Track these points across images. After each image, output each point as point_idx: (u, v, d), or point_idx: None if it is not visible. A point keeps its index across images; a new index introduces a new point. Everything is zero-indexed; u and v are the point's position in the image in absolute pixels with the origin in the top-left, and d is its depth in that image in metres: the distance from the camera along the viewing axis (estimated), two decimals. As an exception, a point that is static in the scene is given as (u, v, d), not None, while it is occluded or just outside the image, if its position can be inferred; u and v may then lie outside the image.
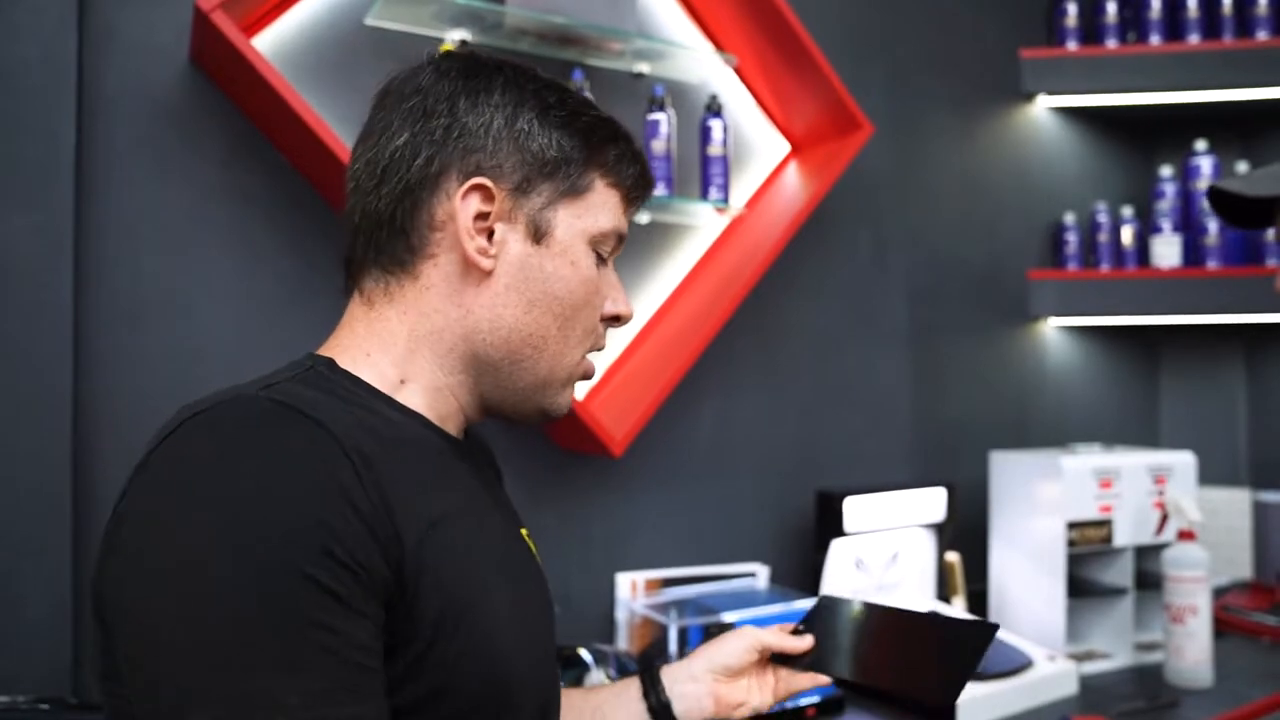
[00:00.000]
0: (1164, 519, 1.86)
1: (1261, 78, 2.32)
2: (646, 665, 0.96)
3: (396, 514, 0.59)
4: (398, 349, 0.70)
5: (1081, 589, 1.84)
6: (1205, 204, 2.35)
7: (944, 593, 1.92)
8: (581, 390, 1.67)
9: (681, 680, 0.91)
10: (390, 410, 0.69)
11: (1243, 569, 2.34)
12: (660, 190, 1.61)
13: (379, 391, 0.69)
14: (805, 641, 0.93)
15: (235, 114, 1.42)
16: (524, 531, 0.84)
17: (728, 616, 1.49)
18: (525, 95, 0.72)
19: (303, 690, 0.53)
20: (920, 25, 2.18)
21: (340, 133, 1.35)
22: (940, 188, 2.20)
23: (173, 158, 1.38)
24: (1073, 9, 2.38)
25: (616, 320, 0.78)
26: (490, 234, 0.70)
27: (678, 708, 0.90)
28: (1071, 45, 2.38)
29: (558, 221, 0.72)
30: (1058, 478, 1.79)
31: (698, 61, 1.74)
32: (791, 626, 0.96)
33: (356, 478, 0.58)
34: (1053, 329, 2.41)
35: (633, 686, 0.92)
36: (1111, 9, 2.37)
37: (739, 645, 0.92)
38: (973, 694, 1.52)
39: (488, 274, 0.70)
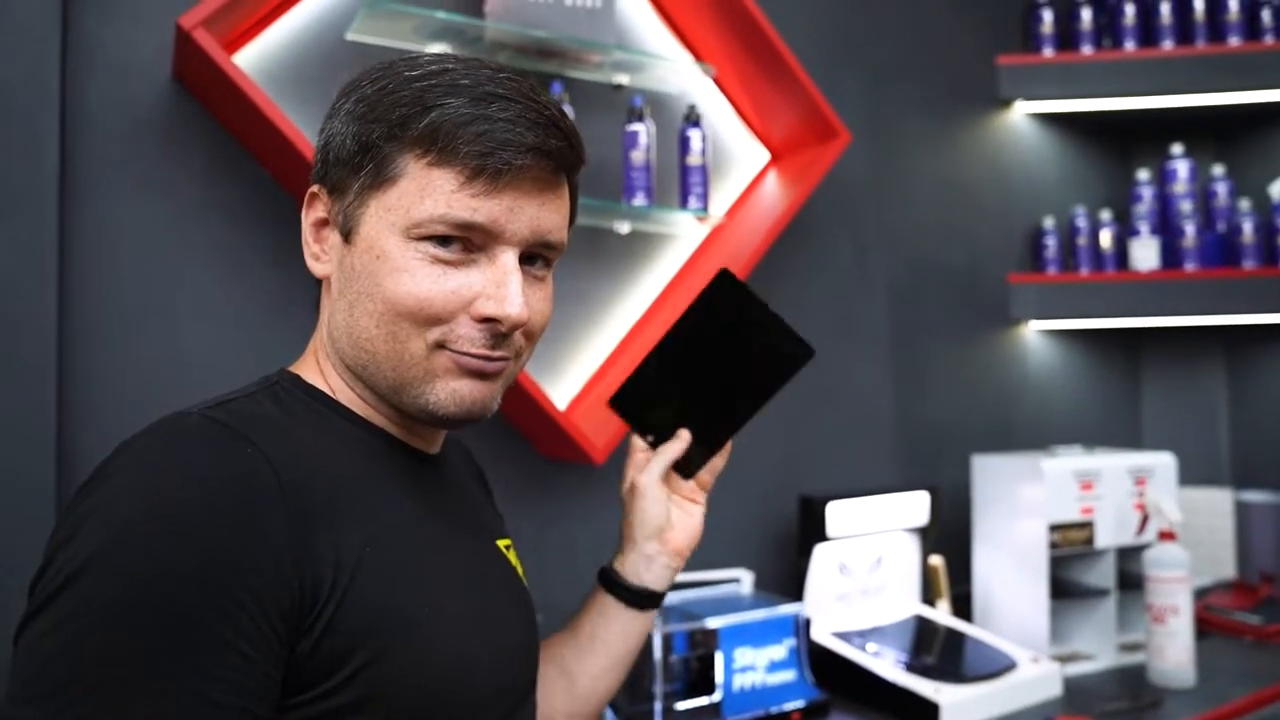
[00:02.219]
0: (1145, 520, 1.88)
1: (1234, 82, 2.36)
2: (602, 576, 0.98)
3: (321, 540, 0.60)
4: (328, 359, 0.74)
5: (1064, 590, 1.86)
6: (1184, 208, 2.38)
7: (929, 596, 1.93)
8: (561, 398, 1.68)
9: (639, 563, 0.95)
10: (347, 424, 0.70)
11: (1225, 568, 2.36)
12: (640, 200, 1.63)
13: (337, 404, 0.71)
14: (683, 441, 0.97)
15: (217, 129, 1.43)
16: (504, 542, 0.84)
17: (712, 622, 1.50)
18: (355, 92, 0.70)
19: None
20: (897, 32, 2.21)
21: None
22: (920, 193, 2.23)
23: (155, 173, 1.39)
24: (1048, 16, 2.41)
25: (490, 322, 0.68)
26: (316, 241, 0.73)
27: (656, 586, 0.95)
28: (1048, 52, 2.41)
29: (365, 216, 0.67)
30: (1039, 480, 1.81)
31: (676, 72, 1.75)
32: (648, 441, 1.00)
33: (277, 503, 0.58)
34: (1034, 332, 2.43)
35: (607, 600, 0.95)
36: (1087, 15, 2.40)
37: (650, 500, 0.94)
38: (957, 697, 1.53)
39: (326, 278, 0.72)
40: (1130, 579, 1.88)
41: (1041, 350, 2.46)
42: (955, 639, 1.80)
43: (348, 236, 0.68)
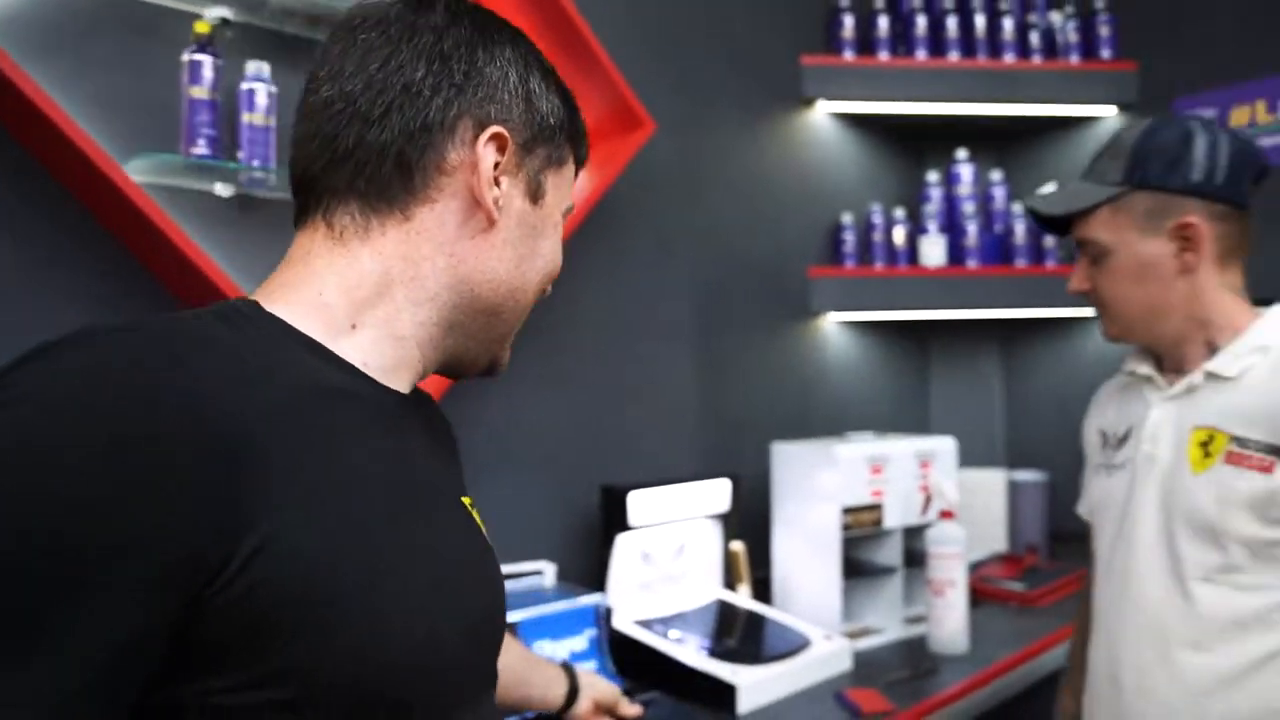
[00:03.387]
0: (928, 500, 2.00)
1: (1008, 94, 2.54)
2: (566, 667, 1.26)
3: (257, 490, 0.52)
4: (363, 291, 0.66)
5: (856, 570, 1.95)
6: (967, 209, 2.54)
7: (730, 581, 1.98)
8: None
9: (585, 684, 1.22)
10: (315, 360, 0.62)
11: (998, 543, 2.55)
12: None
13: (306, 339, 0.63)
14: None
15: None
16: (468, 500, 0.77)
17: (514, 616, 1.47)
18: (532, 56, 0.73)
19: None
20: (708, 29, 2.24)
21: (72, 110, 1.23)
22: (726, 186, 2.27)
23: None
24: (849, 20, 2.51)
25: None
26: (495, 183, 0.69)
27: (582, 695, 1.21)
28: (848, 55, 2.51)
29: (548, 186, 0.73)
30: (833, 466, 1.88)
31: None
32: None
33: (189, 439, 0.50)
34: (832, 323, 2.54)
35: (555, 680, 1.22)
36: (884, 23, 2.52)
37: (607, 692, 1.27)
38: (753, 677, 1.57)
39: (491, 225, 0.69)
40: (915, 556, 2.00)
41: (839, 341, 2.57)
42: (755, 621, 1.84)
43: (536, 198, 0.72)
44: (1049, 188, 2.44)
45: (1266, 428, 1.06)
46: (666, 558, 1.88)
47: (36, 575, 0.47)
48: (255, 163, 1.41)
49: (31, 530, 0.47)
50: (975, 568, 2.35)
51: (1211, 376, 1.13)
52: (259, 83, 1.42)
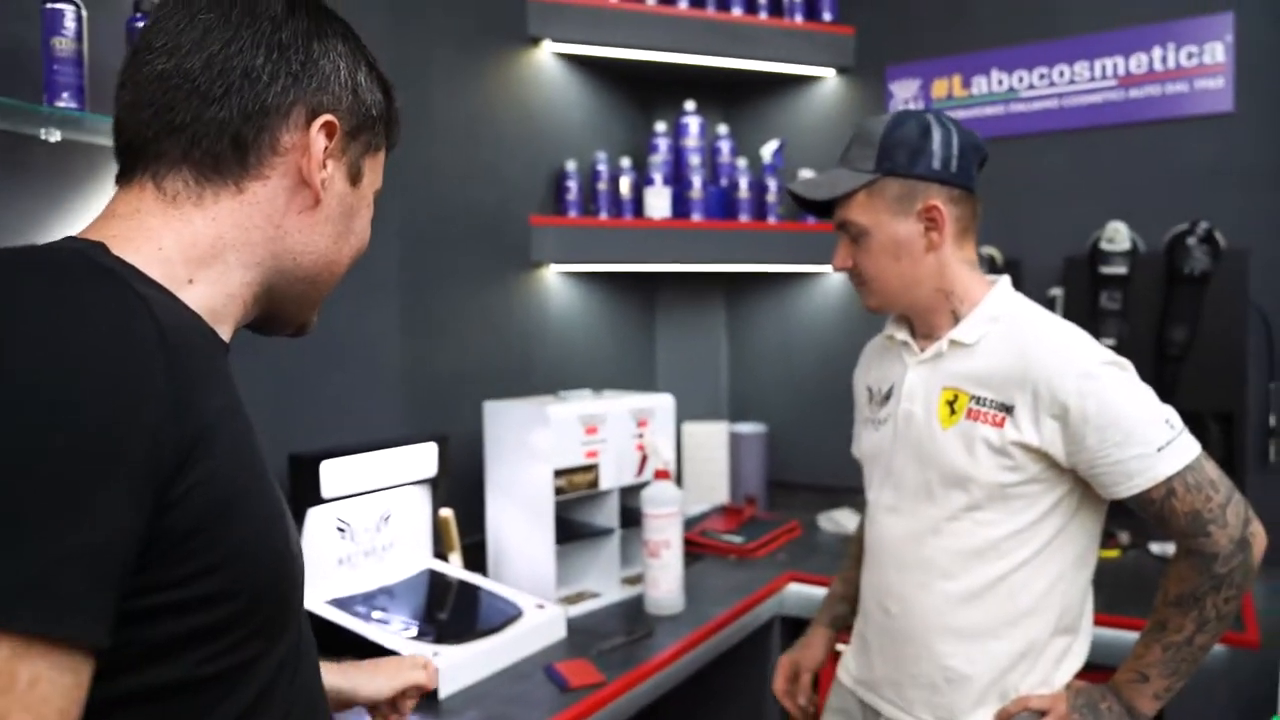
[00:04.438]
0: (644, 460, 1.96)
1: (735, 49, 2.54)
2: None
3: (196, 397, 0.61)
4: (199, 250, 0.72)
5: (573, 533, 1.89)
6: (693, 161, 2.52)
7: (440, 550, 1.86)
8: None
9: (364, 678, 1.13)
10: (172, 302, 0.69)
11: (720, 495, 2.60)
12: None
13: (160, 285, 0.69)
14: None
15: None
16: None
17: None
18: (359, 50, 0.80)
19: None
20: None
21: None
22: (442, 128, 2.09)
23: None
24: (577, -43, 2.39)
25: None
26: (323, 166, 0.76)
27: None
28: (576, -7, 2.40)
29: (365, 170, 0.81)
30: (545, 426, 1.79)
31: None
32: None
33: (159, 352, 0.59)
34: (555, 275, 2.44)
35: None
36: (612, -37, 2.42)
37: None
38: (457, 657, 1.47)
39: (317, 203, 0.76)
40: (632, 515, 1.97)
41: (562, 293, 2.48)
42: (465, 592, 1.74)
43: (355, 181, 0.80)
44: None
45: (997, 388, 1.22)
46: (369, 529, 1.73)
47: (86, 458, 0.54)
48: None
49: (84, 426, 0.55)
50: (696, 521, 2.37)
51: (955, 344, 1.28)
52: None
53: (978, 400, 1.23)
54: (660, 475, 1.85)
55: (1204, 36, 2.23)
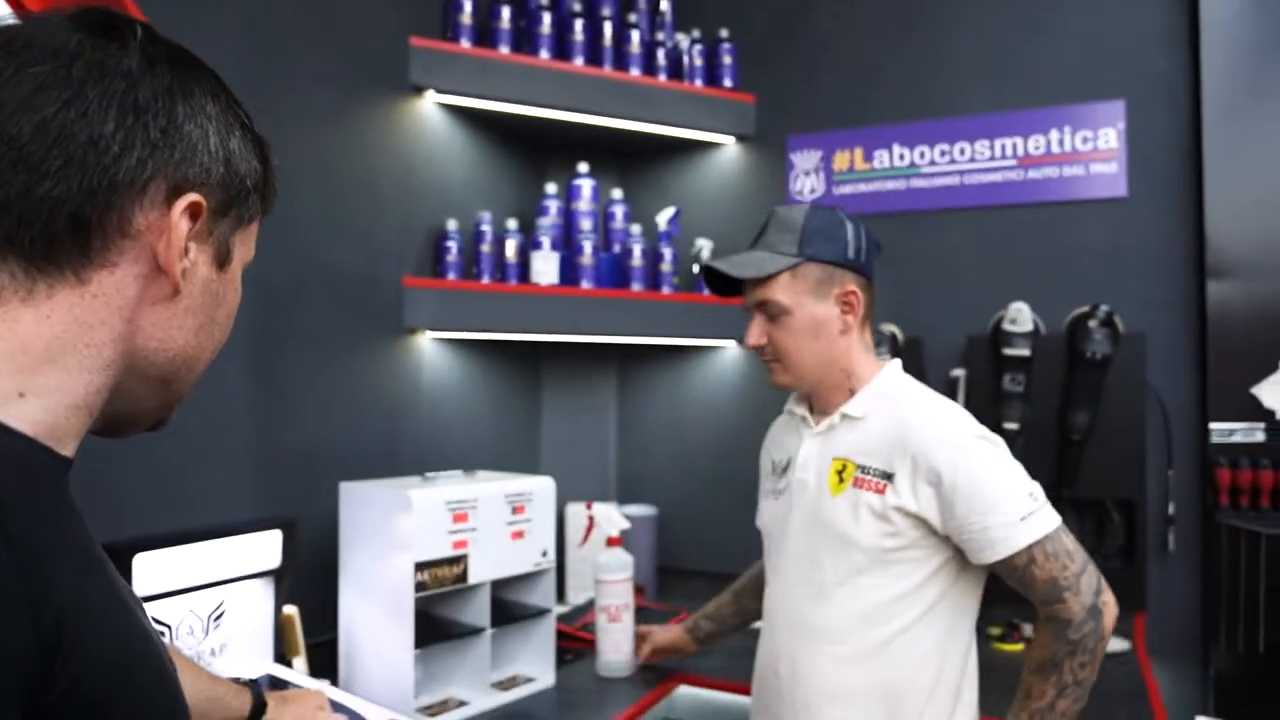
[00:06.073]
0: (590, 528, 2.04)
1: (633, 111, 2.44)
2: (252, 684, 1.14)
3: (49, 590, 0.52)
4: (29, 357, 0.59)
5: (437, 633, 1.67)
6: (584, 225, 2.39)
7: (282, 652, 1.61)
8: None
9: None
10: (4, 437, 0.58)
11: (607, 582, 2.41)
12: None
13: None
14: None
15: None
16: None
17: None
18: (232, 109, 0.68)
19: None
20: (298, -10, 1.87)
21: None
22: (306, 177, 1.90)
23: None
24: (468, 4, 2.27)
25: None
26: (185, 253, 0.64)
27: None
28: (465, 43, 2.27)
29: (234, 248, 0.70)
30: (408, 511, 1.59)
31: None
32: None
33: (10, 548, 0.51)
34: (430, 342, 2.25)
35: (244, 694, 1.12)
36: (506, 14, 2.31)
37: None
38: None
39: (175, 294, 0.64)
40: (507, 609, 1.77)
41: (438, 362, 2.28)
42: (307, 705, 1.50)
43: (222, 264, 0.68)
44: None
45: (881, 456, 1.30)
46: (196, 630, 1.48)
47: None
48: None
49: None
50: (579, 614, 2.17)
51: (846, 417, 1.37)
52: None
53: (863, 469, 1.31)
54: (613, 543, 1.89)
55: (1098, 122, 2.24)
